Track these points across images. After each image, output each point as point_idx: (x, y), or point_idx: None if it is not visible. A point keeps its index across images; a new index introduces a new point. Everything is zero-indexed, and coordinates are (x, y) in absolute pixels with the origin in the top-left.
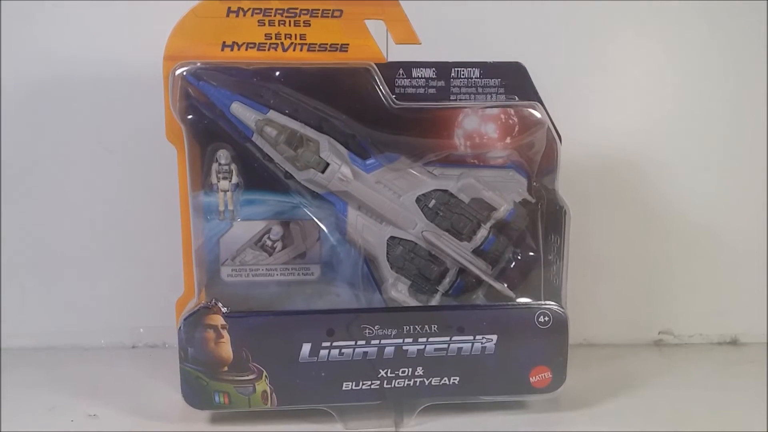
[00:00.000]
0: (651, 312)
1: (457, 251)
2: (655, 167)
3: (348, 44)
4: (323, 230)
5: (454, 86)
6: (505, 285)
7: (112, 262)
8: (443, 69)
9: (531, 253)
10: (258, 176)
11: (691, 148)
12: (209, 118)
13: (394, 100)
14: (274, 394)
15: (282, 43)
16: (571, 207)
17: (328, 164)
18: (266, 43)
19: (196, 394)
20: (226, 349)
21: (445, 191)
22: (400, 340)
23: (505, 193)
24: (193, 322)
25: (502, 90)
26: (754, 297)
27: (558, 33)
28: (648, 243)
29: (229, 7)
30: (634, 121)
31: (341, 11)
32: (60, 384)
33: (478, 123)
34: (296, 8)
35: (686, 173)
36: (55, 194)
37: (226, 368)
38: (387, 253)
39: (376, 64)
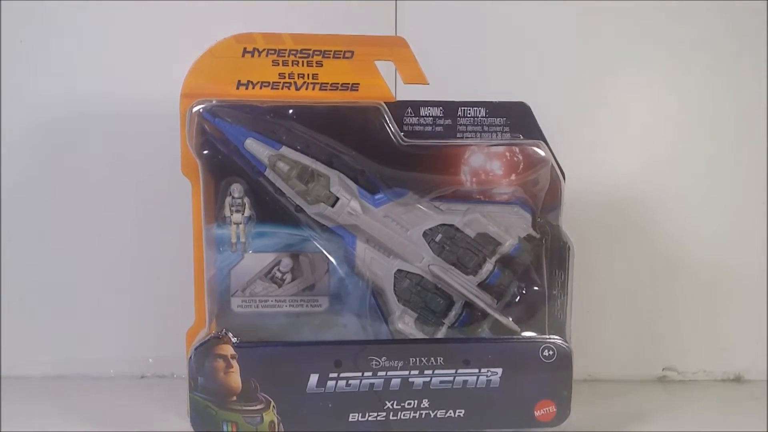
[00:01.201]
0: (655, 348)
1: (463, 285)
2: (658, 205)
3: (358, 84)
4: (332, 263)
5: (460, 124)
6: (510, 319)
7: (123, 293)
8: (450, 108)
9: (535, 288)
10: (270, 210)
11: (694, 186)
12: (224, 153)
13: (403, 137)
14: (281, 424)
15: (295, 83)
16: (575, 243)
17: (337, 198)
18: (280, 82)
19: (204, 423)
20: (235, 379)
21: (452, 226)
22: (407, 372)
23: (510, 229)
24: (204, 352)
25: (507, 128)
26: (757, 334)
27: (561, 73)
28: (652, 280)
29: (245, 48)
30: (637, 158)
31: (352, 52)
32: (69, 413)
33: (484, 160)
34: (309, 49)
35: (690, 211)
36: (68, 225)
37: (234, 398)
38: (394, 286)
39: (385, 102)
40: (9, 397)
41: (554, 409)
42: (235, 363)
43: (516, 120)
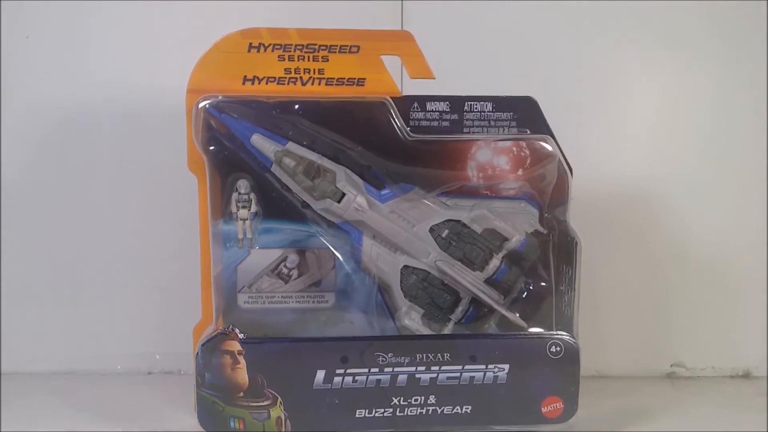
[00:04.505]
0: (663, 344)
1: (470, 281)
2: (665, 200)
3: (365, 79)
4: (338, 258)
5: (467, 119)
6: (517, 315)
7: (129, 289)
8: (457, 102)
9: (543, 284)
10: (276, 205)
11: (701, 181)
12: (230, 149)
13: (409, 132)
14: (288, 420)
15: (301, 78)
16: (582, 239)
17: (344, 194)
18: (286, 78)
19: (211, 419)
20: (242, 375)
21: (458, 221)
22: (413, 369)
23: (517, 224)
24: (211, 348)
25: (514, 123)
26: (766, 330)
27: (568, 68)
28: (660, 275)
29: (251, 43)
30: (644, 153)
31: (358, 47)
32: (76, 409)
33: (491, 155)
34: (315, 44)
35: (697, 206)
36: (74, 220)
37: (241, 394)
38: (401, 282)
39: (391, 97)
40: (16, 393)
41: (561, 406)
42: (242, 359)
43: (523, 115)
